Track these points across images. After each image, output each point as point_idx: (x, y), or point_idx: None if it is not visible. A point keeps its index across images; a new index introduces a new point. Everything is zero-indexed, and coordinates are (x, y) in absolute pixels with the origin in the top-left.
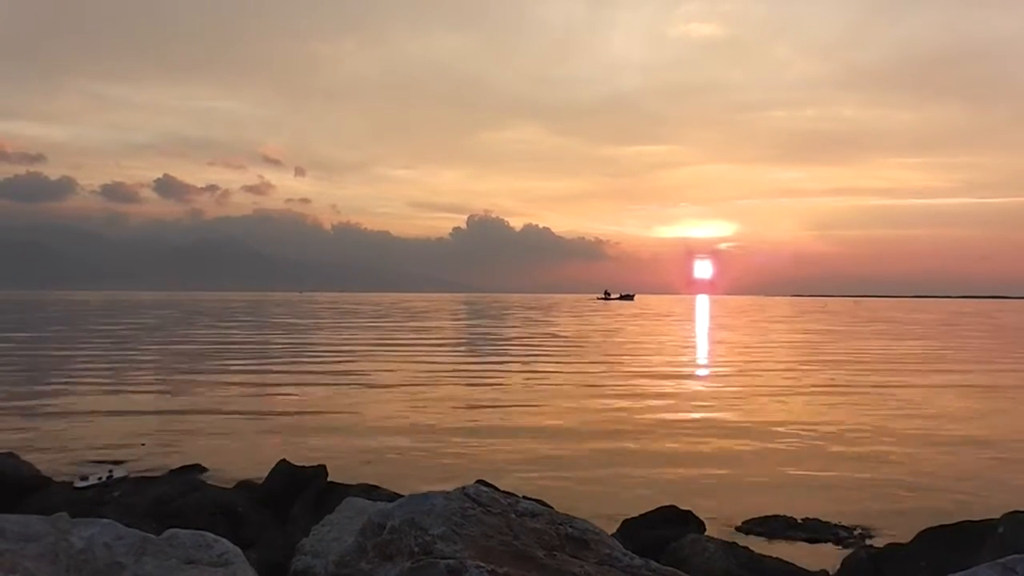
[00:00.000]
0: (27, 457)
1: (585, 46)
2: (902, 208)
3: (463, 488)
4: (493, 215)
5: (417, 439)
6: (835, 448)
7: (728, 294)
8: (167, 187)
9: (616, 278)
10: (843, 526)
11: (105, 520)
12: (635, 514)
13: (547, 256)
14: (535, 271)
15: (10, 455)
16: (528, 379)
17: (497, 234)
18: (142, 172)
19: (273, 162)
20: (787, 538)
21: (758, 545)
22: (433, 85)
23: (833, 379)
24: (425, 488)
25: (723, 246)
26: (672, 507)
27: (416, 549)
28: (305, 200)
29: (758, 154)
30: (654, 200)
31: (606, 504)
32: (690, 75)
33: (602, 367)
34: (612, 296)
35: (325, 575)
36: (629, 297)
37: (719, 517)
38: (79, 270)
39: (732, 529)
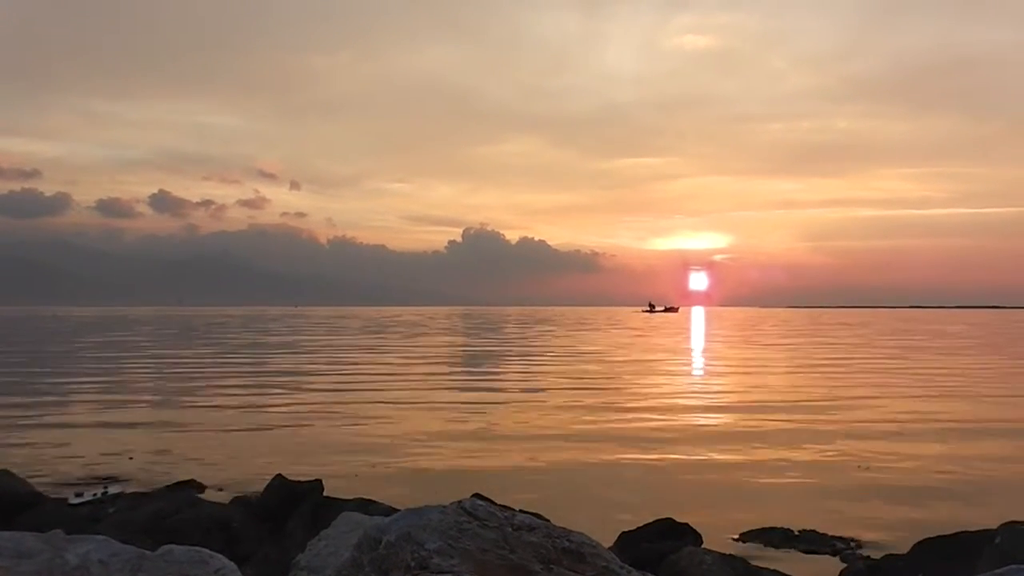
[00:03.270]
0: (22, 474)
1: (579, 59)
2: (898, 219)
3: (459, 502)
4: (488, 228)
5: (413, 453)
6: (833, 458)
7: (723, 306)
8: (162, 202)
9: (612, 290)
10: (840, 537)
11: (100, 537)
12: (632, 527)
13: (543, 269)
14: (531, 284)
15: (5, 472)
16: (529, 392)
17: (493, 247)
18: (137, 187)
19: (268, 176)
20: (784, 549)
21: (755, 557)
22: (428, 99)
23: (833, 389)
24: (421, 502)
25: (718, 258)
26: (669, 519)
27: (412, 564)
28: (300, 214)
29: (753, 166)
30: (649, 212)
31: (603, 517)
32: (685, 87)
33: (615, 381)
34: (657, 309)
35: None
36: (673, 310)
37: (716, 529)
38: (75, 286)
39: (729, 541)
